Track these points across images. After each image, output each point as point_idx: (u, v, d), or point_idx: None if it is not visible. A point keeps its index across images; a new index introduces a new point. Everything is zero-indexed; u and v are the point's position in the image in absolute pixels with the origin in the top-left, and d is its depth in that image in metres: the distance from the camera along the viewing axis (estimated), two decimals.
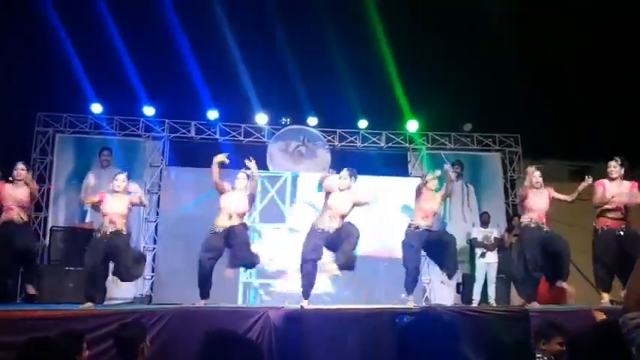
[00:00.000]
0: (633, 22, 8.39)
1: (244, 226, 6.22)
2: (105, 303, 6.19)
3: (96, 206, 6.41)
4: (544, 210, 6.28)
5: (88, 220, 8.61)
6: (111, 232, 5.94)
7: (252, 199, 6.52)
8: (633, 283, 1.86)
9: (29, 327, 4.62)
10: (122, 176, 6.23)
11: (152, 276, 8.68)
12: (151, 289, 8.56)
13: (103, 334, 4.62)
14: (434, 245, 6.48)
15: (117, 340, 3.30)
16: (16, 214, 6.16)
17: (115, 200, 6.10)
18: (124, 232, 6.07)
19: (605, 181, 6.24)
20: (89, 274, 5.90)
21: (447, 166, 6.93)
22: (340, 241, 5.97)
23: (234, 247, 6.01)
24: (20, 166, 6.26)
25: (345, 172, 6.23)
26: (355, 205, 6.16)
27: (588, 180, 6.38)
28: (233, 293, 8.63)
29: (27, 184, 6.25)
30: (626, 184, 6.22)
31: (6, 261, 6.15)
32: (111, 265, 6.21)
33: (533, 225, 6.22)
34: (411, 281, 6.33)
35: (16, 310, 5.46)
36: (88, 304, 5.63)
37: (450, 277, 6.75)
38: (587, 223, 6.52)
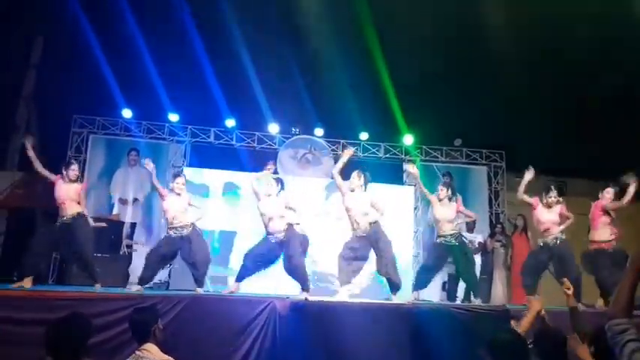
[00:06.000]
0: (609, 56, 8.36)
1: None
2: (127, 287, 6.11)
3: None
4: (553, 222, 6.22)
5: (114, 212, 8.55)
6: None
7: None
8: (619, 292, 1.81)
9: (60, 306, 4.52)
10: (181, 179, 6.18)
11: (170, 264, 8.55)
12: (169, 276, 8.45)
13: (123, 316, 4.53)
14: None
15: (131, 322, 3.24)
16: (68, 210, 5.78)
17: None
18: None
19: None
20: None
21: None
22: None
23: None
24: (74, 166, 6.03)
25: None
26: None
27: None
28: None
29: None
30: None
31: (44, 249, 5.85)
32: None
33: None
34: None
35: (48, 290, 5.39)
36: (138, 287, 5.69)
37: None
38: None
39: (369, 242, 6.06)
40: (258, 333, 4.93)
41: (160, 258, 5.94)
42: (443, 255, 6.40)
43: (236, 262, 8.43)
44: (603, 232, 6.14)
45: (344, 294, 5.88)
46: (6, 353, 4.29)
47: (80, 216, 5.82)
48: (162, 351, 3.12)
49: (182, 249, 5.89)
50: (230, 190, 9.13)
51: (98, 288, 5.66)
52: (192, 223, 5.96)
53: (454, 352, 4.07)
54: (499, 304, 6.43)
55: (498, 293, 7.97)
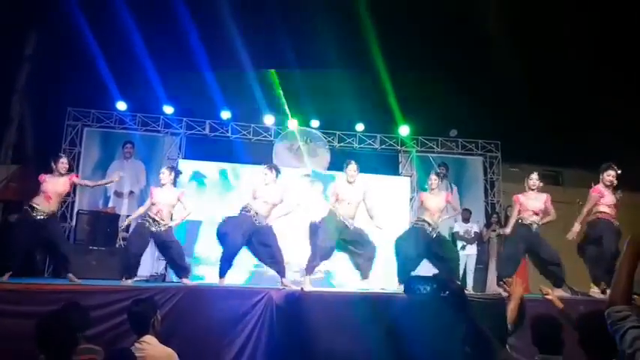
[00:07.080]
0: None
1: None
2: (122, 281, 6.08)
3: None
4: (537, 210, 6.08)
5: (110, 205, 8.54)
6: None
7: None
8: (617, 277, 1.77)
9: (53, 299, 4.50)
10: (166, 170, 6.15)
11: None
12: (165, 268, 8.43)
13: (120, 308, 4.54)
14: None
15: (129, 314, 3.24)
16: (52, 204, 5.78)
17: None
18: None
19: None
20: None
21: None
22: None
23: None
24: (63, 159, 5.95)
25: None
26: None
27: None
28: None
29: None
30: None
31: (33, 242, 5.88)
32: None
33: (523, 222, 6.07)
34: None
35: (45, 283, 5.38)
36: (129, 281, 5.56)
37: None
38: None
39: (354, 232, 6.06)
40: (255, 323, 4.95)
41: (139, 248, 5.85)
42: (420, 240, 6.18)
43: (201, 251, 8.36)
44: (610, 208, 5.92)
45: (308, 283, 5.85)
46: (2, 347, 4.28)
47: (54, 215, 5.89)
48: (160, 342, 3.12)
49: (156, 243, 5.95)
50: (195, 178, 8.89)
51: (73, 279, 5.65)
52: (170, 227, 5.91)
53: (452, 340, 4.07)
54: (495, 293, 6.44)
55: (494, 282, 8.00)
